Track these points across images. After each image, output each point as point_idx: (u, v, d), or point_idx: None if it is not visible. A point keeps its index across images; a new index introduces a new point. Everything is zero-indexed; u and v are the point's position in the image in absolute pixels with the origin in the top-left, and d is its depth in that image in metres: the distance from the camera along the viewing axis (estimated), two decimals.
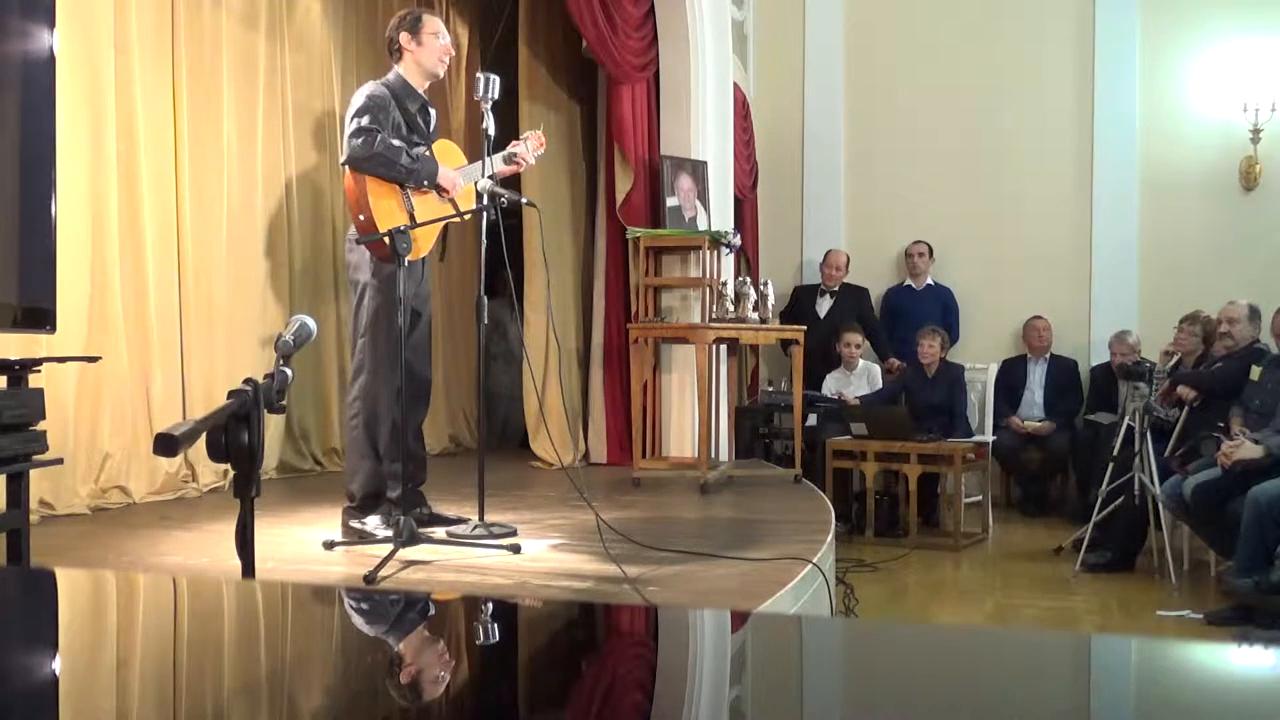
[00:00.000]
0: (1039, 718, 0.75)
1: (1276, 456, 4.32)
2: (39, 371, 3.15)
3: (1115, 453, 5.09)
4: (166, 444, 1.52)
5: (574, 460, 5.67)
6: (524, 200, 4.14)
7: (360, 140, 3.51)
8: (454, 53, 4.16)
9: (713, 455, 5.49)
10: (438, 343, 5.73)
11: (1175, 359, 5.56)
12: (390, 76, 3.76)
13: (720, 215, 6.09)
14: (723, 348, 5.68)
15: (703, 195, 5.94)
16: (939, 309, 7.03)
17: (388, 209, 3.56)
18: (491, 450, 5.82)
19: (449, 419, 6.56)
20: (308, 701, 0.83)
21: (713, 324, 5.16)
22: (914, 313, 6.91)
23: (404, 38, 3.73)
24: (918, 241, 7.25)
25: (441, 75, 3.93)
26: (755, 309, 5.29)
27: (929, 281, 7.25)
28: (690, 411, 5.74)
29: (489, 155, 3.71)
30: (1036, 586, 4.82)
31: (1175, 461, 4.92)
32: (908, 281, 7.33)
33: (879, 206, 7.52)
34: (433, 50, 3.75)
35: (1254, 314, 5.13)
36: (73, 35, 4.01)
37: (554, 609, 1.35)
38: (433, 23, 3.78)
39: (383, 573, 3.10)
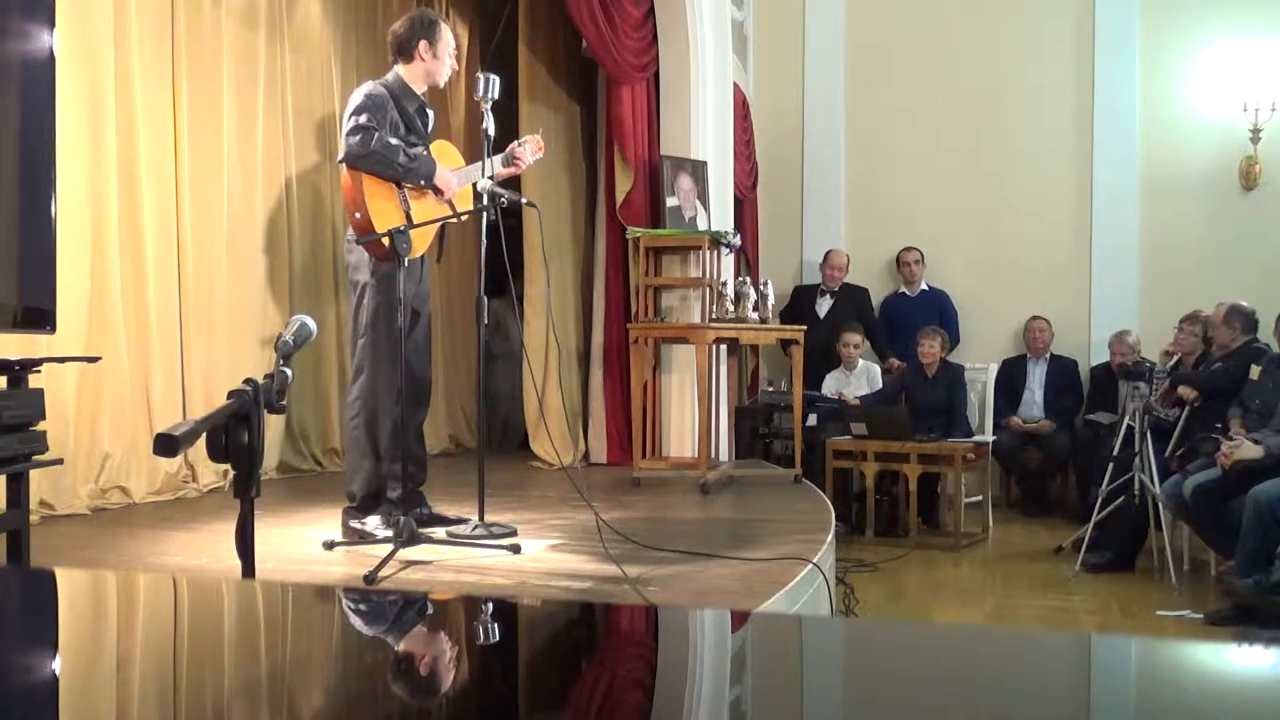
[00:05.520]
0: (1039, 718, 0.75)
1: (1276, 456, 4.32)
2: (39, 371, 3.14)
3: (1115, 453, 5.09)
4: (166, 444, 1.52)
5: (574, 460, 5.67)
6: (524, 200, 4.15)
7: (358, 138, 3.51)
8: (457, 67, 4.21)
9: (713, 455, 5.49)
10: (438, 343, 5.73)
11: (1175, 359, 5.56)
12: (389, 77, 3.76)
13: (720, 215, 6.09)
14: (723, 348, 5.68)
15: (703, 195, 5.94)
16: (936, 314, 6.97)
17: (385, 209, 3.56)
18: (491, 450, 5.82)
19: (449, 419, 6.56)
20: (307, 702, 0.83)
21: (713, 324, 5.16)
22: (912, 320, 6.81)
23: (423, 45, 3.73)
24: (909, 248, 7.21)
25: (441, 86, 3.97)
26: (755, 309, 5.29)
27: (924, 287, 7.23)
28: (690, 411, 5.74)
29: (488, 156, 3.72)
30: (1036, 586, 4.82)
31: (1175, 461, 4.91)
32: (902, 289, 7.31)
33: (879, 206, 7.51)
34: (444, 64, 3.80)
35: (1236, 315, 5.11)
36: (73, 35, 4.01)
37: (554, 609, 1.35)
38: (449, 37, 3.82)
39: (383, 573, 3.10)
